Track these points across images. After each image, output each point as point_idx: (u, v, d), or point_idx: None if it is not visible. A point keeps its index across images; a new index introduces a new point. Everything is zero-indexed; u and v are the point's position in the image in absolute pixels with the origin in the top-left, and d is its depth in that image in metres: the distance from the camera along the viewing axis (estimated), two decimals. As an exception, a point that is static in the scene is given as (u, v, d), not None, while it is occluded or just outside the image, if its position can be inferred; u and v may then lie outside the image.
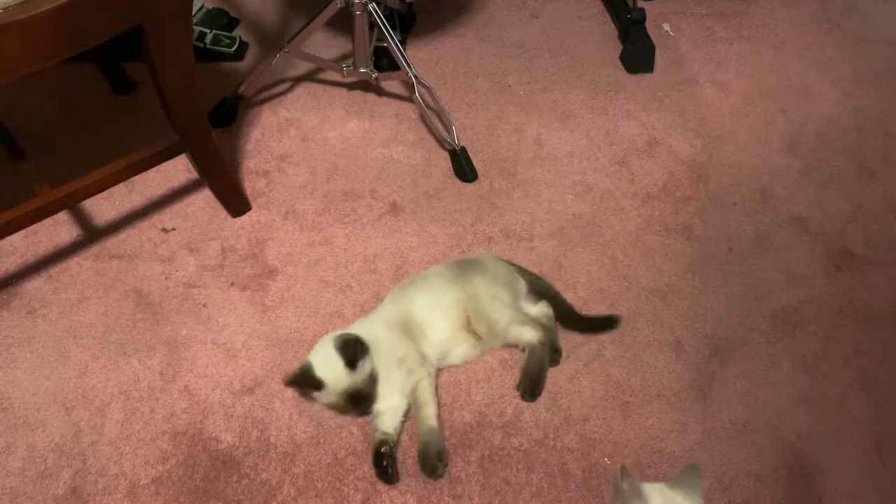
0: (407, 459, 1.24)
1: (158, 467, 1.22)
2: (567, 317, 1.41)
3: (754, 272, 1.52)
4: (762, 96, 1.88)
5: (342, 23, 1.70)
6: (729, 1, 2.15)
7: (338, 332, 1.25)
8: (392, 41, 1.59)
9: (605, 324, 1.41)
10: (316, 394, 1.22)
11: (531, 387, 1.30)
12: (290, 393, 1.31)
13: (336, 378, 1.20)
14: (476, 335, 1.33)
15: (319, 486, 1.21)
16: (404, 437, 1.26)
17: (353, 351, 1.21)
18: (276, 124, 1.75)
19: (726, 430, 1.29)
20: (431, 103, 1.71)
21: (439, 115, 1.71)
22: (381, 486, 1.21)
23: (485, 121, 1.78)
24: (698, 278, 1.50)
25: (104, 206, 1.57)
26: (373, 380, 1.23)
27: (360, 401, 1.22)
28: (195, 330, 1.39)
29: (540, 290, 1.42)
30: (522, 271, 1.43)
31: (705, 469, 1.23)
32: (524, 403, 1.31)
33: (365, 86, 1.83)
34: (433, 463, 1.21)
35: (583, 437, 1.27)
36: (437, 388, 1.30)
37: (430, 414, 1.24)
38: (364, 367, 1.22)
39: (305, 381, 1.22)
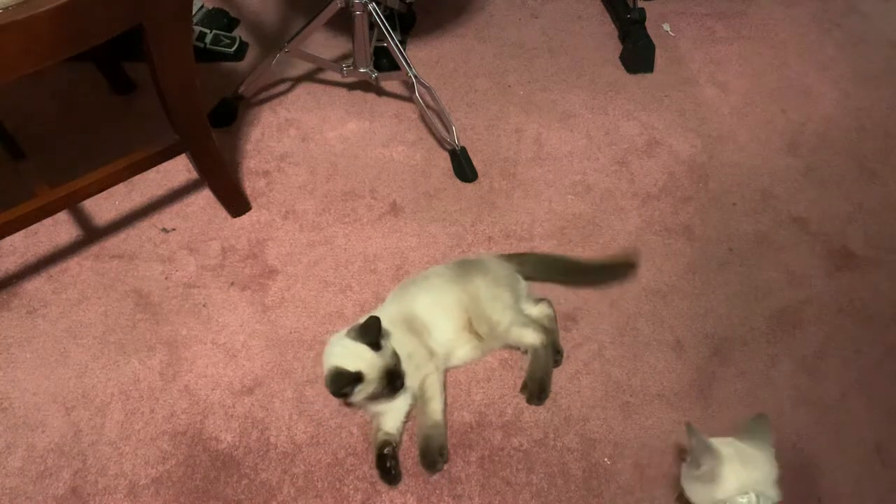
0: (407, 459, 1.24)
1: (158, 467, 1.22)
2: (588, 271, 1.46)
3: (754, 272, 1.52)
4: (762, 96, 1.88)
5: (342, 23, 1.70)
6: (729, 1, 2.15)
7: (338, 332, 1.25)
8: (392, 41, 1.59)
9: (626, 266, 1.47)
10: (356, 391, 1.19)
11: (538, 390, 1.30)
12: (291, 393, 1.31)
13: (369, 364, 1.19)
14: (477, 336, 1.33)
15: (319, 486, 1.21)
16: (404, 438, 1.26)
17: (375, 331, 1.20)
18: (276, 124, 1.75)
19: (726, 431, 1.28)
20: (431, 103, 1.71)
21: (439, 115, 1.71)
22: (381, 486, 1.21)
23: (485, 121, 1.78)
24: (698, 278, 1.50)
25: (104, 206, 1.57)
26: (397, 355, 1.23)
27: (395, 378, 1.21)
28: (195, 330, 1.39)
29: (551, 263, 1.46)
30: (523, 261, 1.44)
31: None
32: (524, 403, 1.31)
33: (365, 86, 1.83)
34: (433, 457, 1.21)
35: (583, 437, 1.27)
36: (445, 384, 1.30)
37: (436, 408, 1.25)
38: (387, 345, 1.22)
39: (346, 381, 1.18)
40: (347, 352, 1.21)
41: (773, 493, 1.04)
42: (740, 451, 1.06)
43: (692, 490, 1.07)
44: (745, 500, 1.01)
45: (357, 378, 1.18)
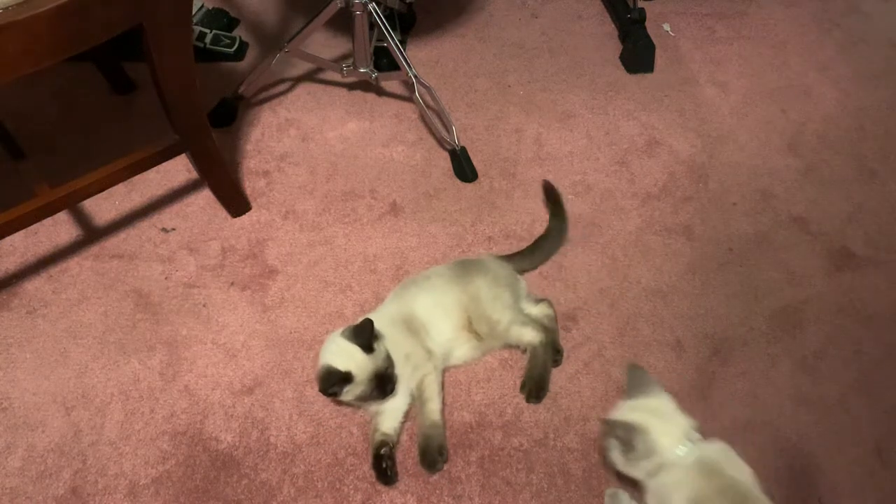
0: (407, 460, 1.24)
1: (158, 467, 1.22)
2: (553, 233, 1.52)
3: (754, 272, 1.52)
4: (762, 96, 1.88)
5: (342, 23, 1.70)
6: (729, 1, 2.15)
7: (337, 331, 1.25)
8: (392, 41, 1.59)
9: (553, 201, 1.54)
10: (345, 390, 1.20)
11: (536, 389, 1.30)
12: (291, 393, 1.31)
13: (360, 366, 1.19)
14: (477, 335, 1.33)
15: (319, 486, 1.21)
16: (404, 438, 1.26)
17: (368, 334, 1.20)
18: (276, 124, 1.75)
19: (726, 430, 1.29)
20: (431, 103, 1.71)
21: (439, 115, 1.71)
22: (381, 486, 1.21)
23: (485, 121, 1.78)
24: (698, 278, 1.50)
25: (104, 206, 1.57)
26: (390, 359, 1.23)
27: (386, 382, 1.22)
28: (195, 330, 1.39)
29: (534, 248, 1.49)
30: (515, 258, 1.46)
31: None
32: (524, 403, 1.31)
33: (365, 86, 1.84)
34: (433, 457, 1.21)
35: (583, 437, 1.27)
36: (443, 384, 1.30)
37: (434, 408, 1.25)
38: (380, 348, 1.22)
39: (335, 380, 1.18)
40: (340, 351, 1.21)
41: (691, 427, 1.09)
42: (649, 409, 1.10)
43: (636, 469, 1.10)
44: (684, 452, 1.06)
45: (346, 378, 1.18)
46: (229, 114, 1.74)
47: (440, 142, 1.71)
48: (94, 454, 1.23)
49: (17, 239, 1.49)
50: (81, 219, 1.55)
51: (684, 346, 1.40)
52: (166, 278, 1.46)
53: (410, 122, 1.77)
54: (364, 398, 1.22)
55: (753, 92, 1.89)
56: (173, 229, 1.54)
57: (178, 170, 1.63)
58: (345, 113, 1.79)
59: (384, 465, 1.20)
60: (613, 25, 2.04)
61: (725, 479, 1.03)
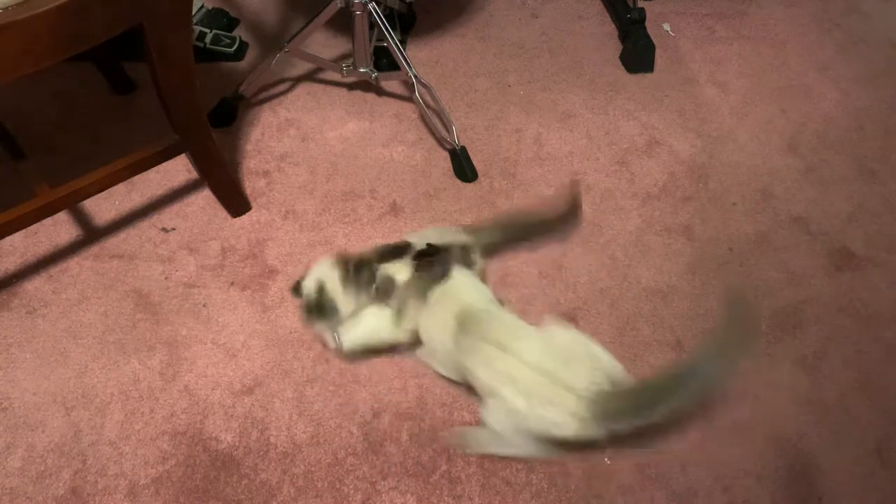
0: (407, 460, 1.24)
1: (158, 467, 1.22)
2: (534, 227, 1.49)
3: (754, 272, 1.52)
4: (762, 96, 1.88)
5: (342, 23, 1.70)
6: (729, 1, 2.15)
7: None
8: (392, 41, 1.59)
9: (570, 213, 1.52)
10: (330, 300, 1.29)
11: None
12: (291, 393, 1.31)
13: (328, 276, 1.29)
14: None
15: (319, 486, 1.21)
16: (403, 437, 1.26)
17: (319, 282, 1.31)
18: (276, 124, 1.75)
19: (726, 430, 1.29)
20: (431, 103, 1.71)
21: (439, 114, 1.71)
22: (380, 486, 1.21)
23: (485, 121, 1.78)
24: (698, 278, 1.50)
25: (104, 206, 1.57)
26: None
27: (362, 268, 1.30)
28: (195, 330, 1.39)
29: (503, 226, 1.49)
30: (480, 233, 1.45)
31: (706, 469, 1.23)
32: (524, 403, 1.31)
33: (365, 86, 1.84)
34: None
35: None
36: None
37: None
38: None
39: (300, 287, 1.30)
40: (312, 281, 1.30)
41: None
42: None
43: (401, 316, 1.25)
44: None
45: (319, 289, 1.28)
46: (229, 114, 1.74)
47: (440, 142, 1.71)
48: (94, 454, 1.23)
49: (17, 239, 1.49)
50: (81, 219, 1.55)
51: (684, 346, 1.40)
52: (166, 278, 1.46)
53: (410, 122, 1.77)
54: (361, 286, 1.28)
55: (753, 92, 1.89)
56: (173, 229, 1.54)
57: (178, 170, 1.63)
58: (345, 113, 1.79)
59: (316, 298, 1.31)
60: (613, 25, 2.04)
61: (460, 303, 1.22)
